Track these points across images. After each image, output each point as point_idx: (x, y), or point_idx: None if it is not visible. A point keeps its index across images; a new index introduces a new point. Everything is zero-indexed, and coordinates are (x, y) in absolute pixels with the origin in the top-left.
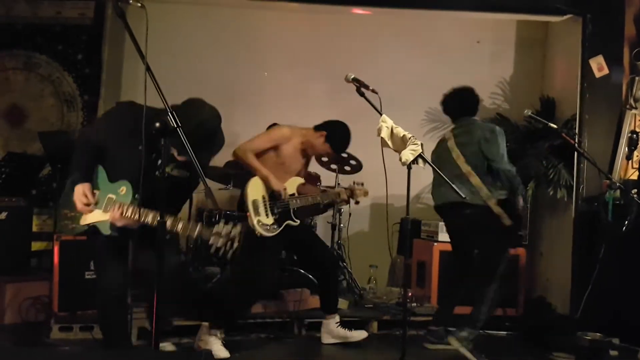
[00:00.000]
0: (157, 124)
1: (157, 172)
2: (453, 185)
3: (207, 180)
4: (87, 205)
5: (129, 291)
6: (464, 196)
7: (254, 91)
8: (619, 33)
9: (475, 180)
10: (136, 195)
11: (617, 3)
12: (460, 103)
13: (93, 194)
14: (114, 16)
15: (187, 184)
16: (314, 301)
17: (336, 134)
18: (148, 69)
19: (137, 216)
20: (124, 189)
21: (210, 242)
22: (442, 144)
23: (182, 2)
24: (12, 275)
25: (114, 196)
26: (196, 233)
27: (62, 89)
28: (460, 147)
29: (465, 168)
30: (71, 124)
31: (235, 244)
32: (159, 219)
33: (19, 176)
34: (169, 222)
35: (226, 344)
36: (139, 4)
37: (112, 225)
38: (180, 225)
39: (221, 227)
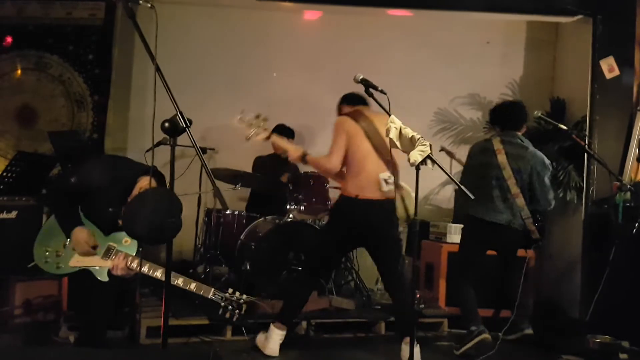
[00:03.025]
0: (167, 124)
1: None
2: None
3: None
4: (92, 248)
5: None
6: (506, 221)
7: (263, 92)
8: (630, 34)
9: (520, 201)
10: (140, 248)
11: (627, 4)
12: (508, 115)
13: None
14: (124, 17)
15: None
16: (322, 302)
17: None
18: (158, 69)
19: (139, 268)
20: (128, 240)
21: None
22: (488, 153)
23: (192, 3)
24: (22, 274)
25: (115, 245)
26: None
27: (73, 89)
28: (514, 171)
29: (515, 190)
30: (81, 124)
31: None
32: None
33: (29, 175)
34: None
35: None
36: (149, 5)
37: (110, 273)
38: (180, 281)
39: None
